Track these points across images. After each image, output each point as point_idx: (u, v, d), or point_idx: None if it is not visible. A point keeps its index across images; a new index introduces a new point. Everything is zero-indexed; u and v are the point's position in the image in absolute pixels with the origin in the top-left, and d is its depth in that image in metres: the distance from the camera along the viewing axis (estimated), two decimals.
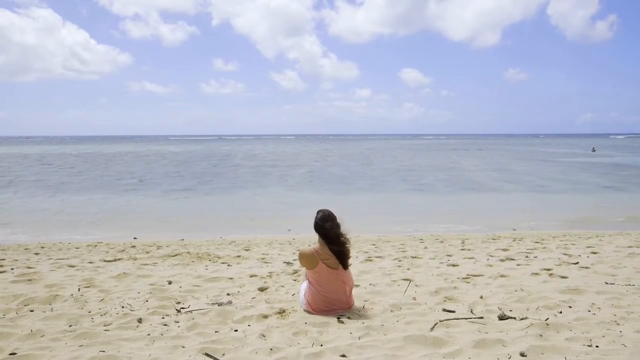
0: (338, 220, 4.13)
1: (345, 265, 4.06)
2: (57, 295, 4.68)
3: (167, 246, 9.84)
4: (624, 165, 35.11)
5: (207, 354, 3.00)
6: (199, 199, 19.39)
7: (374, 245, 9.64)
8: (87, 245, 10.06)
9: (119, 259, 7.81)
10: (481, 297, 4.56)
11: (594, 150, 58.41)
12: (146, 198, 19.41)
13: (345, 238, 4.08)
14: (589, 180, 25.19)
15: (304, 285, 4.28)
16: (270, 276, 5.89)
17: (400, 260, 7.22)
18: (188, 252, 8.40)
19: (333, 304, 4.05)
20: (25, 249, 9.49)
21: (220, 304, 4.43)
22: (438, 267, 6.47)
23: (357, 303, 4.40)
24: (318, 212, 4.17)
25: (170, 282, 5.50)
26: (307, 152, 63.77)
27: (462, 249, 8.66)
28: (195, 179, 26.57)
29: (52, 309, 4.22)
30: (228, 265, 6.99)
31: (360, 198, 19.63)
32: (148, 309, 4.23)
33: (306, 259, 4.09)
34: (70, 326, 3.68)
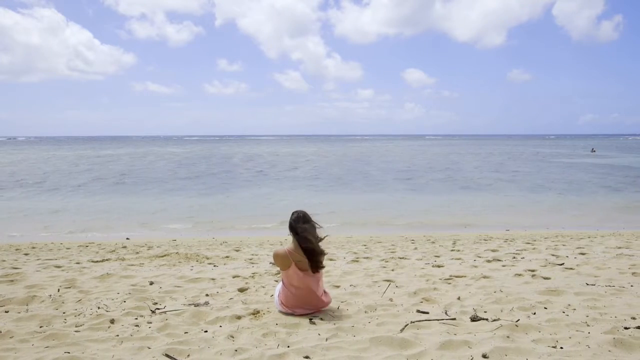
0: (314, 222, 4.12)
1: (315, 268, 4.03)
2: (35, 296, 4.69)
3: (157, 246, 9.85)
4: (622, 167, 35.03)
5: (167, 355, 3.00)
6: (195, 199, 19.40)
7: (364, 245, 9.63)
8: (79, 246, 10.08)
9: (106, 260, 7.81)
10: (458, 299, 4.55)
11: (593, 150, 58.30)
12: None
13: (318, 240, 4.06)
14: (585, 180, 25.15)
15: (278, 286, 4.28)
16: (253, 277, 5.88)
17: (387, 261, 7.20)
18: (177, 253, 8.39)
19: (305, 305, 4.04)
20: (16, 249, 9.50)
21: (196, 305, 4.42)
22: (423, 268, 6.45)
23: (334, 304, 4.39)
24: (293, 213, 4.17)
25: (151, 283, 5.50)
26: (307, 152, 63.83)
27: (452, 250, 8.64)
28: (190, 180, 26.60)
29: (27, 310, 4.23)
30: (214, 266, 6.99)
31: (356, 198, 19.65)
32: (123, 309, 4.23)
33: (280, 259, 4.08)
34: (40, 327, 3.69)
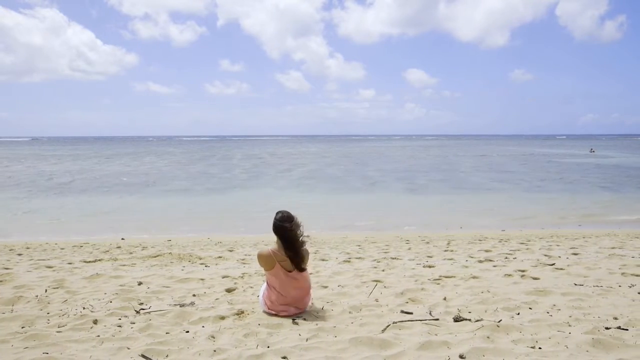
0: (297, 222, 4.11)
1: (300, 268, 4.04)
2: (21, 296, 4.68)
3: (152, 247, 9.84)
4: (620, 166, 35.02)
5: (143, 356, 3.00)
6: (192, 199, 19.41)
7: (358, 246, 9.61)
8: (73, 246, 10.07)
9: (99, 260, 7.81)
10: (444, 299, 4.55)
11: (592, 151, 58.21)
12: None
13: (302, 241, 4.06)
14: (583, 180, 25.14)
15: (263, 287, 4.28)
16: (242, 277, 5.88)
17: (379, 262, 7.19)
18: (170, 253, 8.39)
19: (289, 305, 4.04)
20: (10, 249, 9.50)
21: (182, 305, 4.42)
22: (413, 269, 6.44)
23: (319, 304, 4.39)
24: (277, 214, 4.17)
25: (140, 283, 5.49)
26: (307, 152, 63.88)
27: (445, 250, 8.62)
28: (188, 180, 26.61)
29: (12, 310, 4.22)
30: (205, 266, 6.99)
31: (353, 198, 19.64)
32: (108, 310, 4.23)
33: (264, 260, 4.08)
34: (22, 328, 3.69)
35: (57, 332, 3.59)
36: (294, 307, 4.05)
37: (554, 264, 6.52)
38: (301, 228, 4.10)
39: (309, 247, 4.25)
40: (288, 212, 4.16)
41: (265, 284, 4.21)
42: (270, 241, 10.65)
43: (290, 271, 4.03)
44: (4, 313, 4.14)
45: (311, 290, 4.32)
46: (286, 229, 4.02)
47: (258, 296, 4.72)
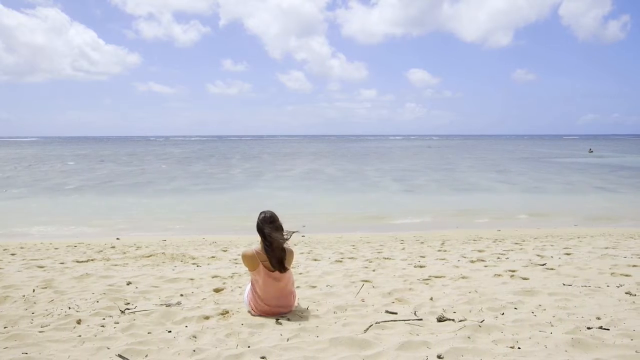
0: (279, 222, 4.11)
1: (281, 269, 4.03)
2: (8, 296, 4.68)
3: (146, 247, 9.84)
4: (617, 166, 34.98)
5: (120, 356, 2.99)
6: (190, 198, 19.41)
7: (352, 246, 9.60)
8: (67, 246, 10.07)
9: (92, 260, 7.81)
10: (431, 299, 4.54)
11: (590, 151, 58.14)
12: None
13: (283, 241, 4.05)
14: (581, 180, 25.13)
15: (248, 287, 4.28)
16: (232, 277, 5.88)
17: (370, 262, 7.18)
18: (163, 253, 8.39)
19: (273, 305, 4.03)
20: (4, 249, 9.50)
21: (168, 305, 4.42)
22: (404, 269, 6.43)
23: (305, 304, 4.38)
24: (260, 214, 4.17)
25: (129, 283, 5.49)
26: (306, 152, 63.92)
27: (439, 250, 8.61)
28: (188, 179, 26.62)
29: None
30: (197, 266, 6.99)
31: (352, 198, 19.63)
32: (94, 310, 4.23)
33: (247, 260, 4.08)
34: (5, 327, 3.68)
35: (40, 332, 3.58)
36: (277, 307, 4.05)
37: (544, 264, 6.50)
38: (284, 228, 4.10)
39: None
40: (271, 212, 4.16)
41: (250, 284, 4.21)
42: None
43: (272, 271, 4.03)
44: None
45: (295, 291, 4.32)
46: (267, 229, 4.01)
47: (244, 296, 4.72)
